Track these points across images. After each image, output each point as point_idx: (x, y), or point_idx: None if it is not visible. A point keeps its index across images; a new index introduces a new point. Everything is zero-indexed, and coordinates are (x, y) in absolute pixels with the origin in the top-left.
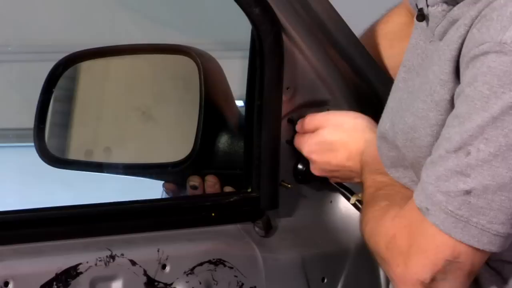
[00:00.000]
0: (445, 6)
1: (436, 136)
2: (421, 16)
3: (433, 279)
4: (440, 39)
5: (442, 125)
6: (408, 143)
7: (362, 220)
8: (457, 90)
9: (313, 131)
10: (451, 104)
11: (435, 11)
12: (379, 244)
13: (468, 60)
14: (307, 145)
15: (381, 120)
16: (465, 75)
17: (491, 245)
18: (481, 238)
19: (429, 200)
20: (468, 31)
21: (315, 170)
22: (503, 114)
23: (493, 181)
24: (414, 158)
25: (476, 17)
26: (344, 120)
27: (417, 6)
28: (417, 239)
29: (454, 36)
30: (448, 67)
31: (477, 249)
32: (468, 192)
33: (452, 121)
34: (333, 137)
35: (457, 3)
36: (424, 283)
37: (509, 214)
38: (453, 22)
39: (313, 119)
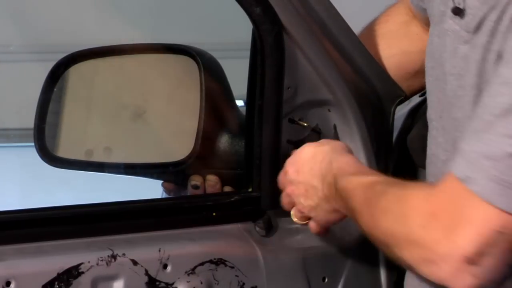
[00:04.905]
0: None
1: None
2: (457, 9)
3: (479, 254)
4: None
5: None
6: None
7: (371, 214)
8: (496, 55)
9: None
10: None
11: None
12: (410, 227)
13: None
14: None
15: None
16: (509, 39)
17: None
18: None
19: (472, 167)
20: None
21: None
22: None
23: None
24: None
25: None
26: (299, 160)
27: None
28: (461, 212)
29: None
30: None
31: None
32: None
33: (498, 87)
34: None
35: None
36: (469, 259)
37: None
38: None
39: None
